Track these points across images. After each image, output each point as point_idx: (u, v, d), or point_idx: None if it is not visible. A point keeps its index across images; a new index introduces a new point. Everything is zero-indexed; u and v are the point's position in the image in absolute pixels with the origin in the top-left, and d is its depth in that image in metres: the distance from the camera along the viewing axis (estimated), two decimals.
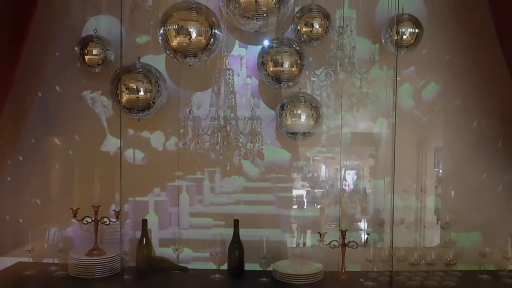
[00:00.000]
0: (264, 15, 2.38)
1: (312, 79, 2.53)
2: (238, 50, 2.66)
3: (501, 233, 2.55)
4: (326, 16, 2.42)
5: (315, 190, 2.70)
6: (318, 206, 2.70)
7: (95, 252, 2.50)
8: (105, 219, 2.52)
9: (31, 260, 2.55)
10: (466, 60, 2.62)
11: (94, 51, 2.53)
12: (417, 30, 2.44)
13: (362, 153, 2.69)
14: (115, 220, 2.52)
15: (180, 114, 2.62)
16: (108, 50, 2.57)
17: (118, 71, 2.50)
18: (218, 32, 2.36)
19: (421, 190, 2.66)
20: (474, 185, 2.66)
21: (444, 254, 2.46)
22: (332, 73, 2.42)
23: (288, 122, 2.48)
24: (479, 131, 2.65)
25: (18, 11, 2.35)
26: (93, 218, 2.51)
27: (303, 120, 2.46)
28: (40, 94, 2.69)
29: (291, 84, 2.49)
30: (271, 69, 2.43)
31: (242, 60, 2.65)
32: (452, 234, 2.58)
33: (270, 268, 2.50)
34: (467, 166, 2.67)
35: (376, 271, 2.48)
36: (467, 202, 2.64)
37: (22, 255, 2.58)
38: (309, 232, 2.69)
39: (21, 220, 2.70)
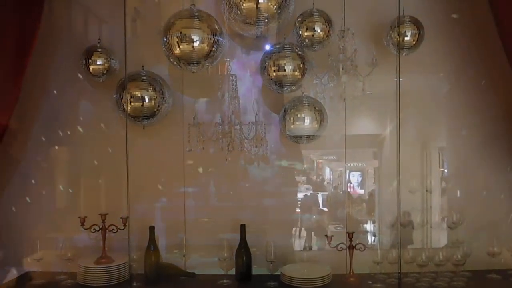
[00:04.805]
0: (266, 20, 2.40)
1: (315, 82, 2.54)
2: (240, 56, 2.68)
3: (509, 232, 2.54)
4: (327, 20, 2.44)
5: (320, 193, 2.70)
6: (324, 209, 2.70)
7: (104, 260, 2.51)
8: (113, 227, 2.53)
9: (40, 270, 2.56)
10: (470, 60, 2.62)
11: (99, 61, 2.55)
12: (418, 31, 2.45)
13: (366, 154, 2.69)
14: (123, 227, 2.53)
15: (184, 120, 2.64)
16: (112, 59, 2.59)
17: (123, 79, 2.52)
18: (221, 39, 2.38)
19: (427, 191, 2.65)
20: (480, 185, 2.64)
21: (452, 254, 2.45)
22: (334, 76, 2.44)
23: (292, 126, 2.49)
24: (485, 130, 2.64)
25: (23, 24, 2.39)
26: (100, 226, 2.53)
27: (307, 124, 2.47)
28: (45, 104, 2.70)
29: (294, 88, 2.50)
30: (274, 73, 2.44)
31: (244, 66, 2.67)
32: (460, 234, 2.56)
33: (278, 272, 2.50)
34: (474, 165, 2.66)
35: (384, 273, 2.47)
36: (474, 202, 2.63)
37: (31, 265, 2.59)
38: (315, 235, 2.69)
39: (29, 230, 2.71)
